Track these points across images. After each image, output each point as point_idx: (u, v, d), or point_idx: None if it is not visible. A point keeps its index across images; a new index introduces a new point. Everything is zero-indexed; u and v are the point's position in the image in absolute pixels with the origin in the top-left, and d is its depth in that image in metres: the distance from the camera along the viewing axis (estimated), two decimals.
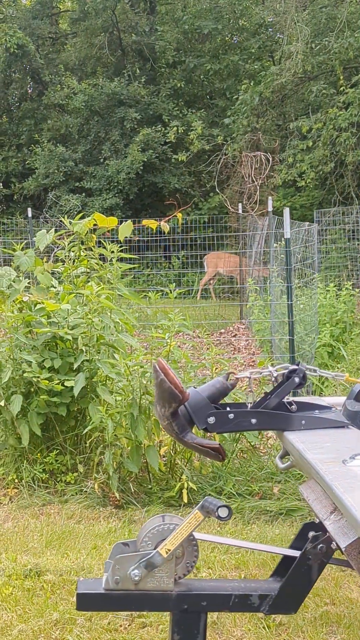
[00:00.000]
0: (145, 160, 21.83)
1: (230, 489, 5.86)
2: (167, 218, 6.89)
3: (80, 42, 25.90)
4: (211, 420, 2.46)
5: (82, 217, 6.74)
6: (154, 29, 25.32)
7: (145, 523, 2.33)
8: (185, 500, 5.75)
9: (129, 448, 5.91)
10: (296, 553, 2.23)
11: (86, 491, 6.06)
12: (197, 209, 22.96)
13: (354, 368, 8.14)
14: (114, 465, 5.80)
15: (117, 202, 21.98)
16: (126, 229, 6.33)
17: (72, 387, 6.06)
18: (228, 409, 2.52)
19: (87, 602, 2.23)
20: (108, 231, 6.44)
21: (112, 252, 6.42)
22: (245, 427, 2.49)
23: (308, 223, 9.22)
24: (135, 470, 5.86)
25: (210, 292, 18.38)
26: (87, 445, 6.31)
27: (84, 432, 6.08)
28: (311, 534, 2.21)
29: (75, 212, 20.81)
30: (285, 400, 2.58)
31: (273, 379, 2.63)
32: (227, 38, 25.21)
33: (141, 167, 21.90)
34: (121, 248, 6.51)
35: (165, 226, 6.49)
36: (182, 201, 24.36)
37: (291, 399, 2.60)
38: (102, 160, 22.98)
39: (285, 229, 6.95)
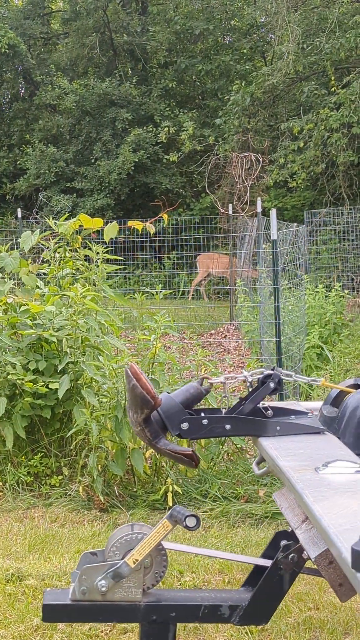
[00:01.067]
0: (137, 160, 21.78)
1: (216, 492, 5.82)
2: (152, 219, 6.85)
3: (72, 42, 25.84)
4: (184, 426, 2.42)
5: (69, 218, 6.70)
6: (145, 29, 25.28)
7: (113, 532, 2.28)
8: (170, 504, 5.71)
9: (114, 451, 5.87)
10: (267, 562, 2.19)
11: (71, 494, 6.02)
12: (189, 209, 22.93)
13: (342, 370, 8.10)
14: (98, 468, 5.75)
15: (108, 203, 21.94)
16: (112, 230, 6.29)
17: (56, 389, 6.01)
18: (203, 414, 2.48)
19: (54, 613, 2.19)
20: (94, 232, 6.39)
21: (97, 253, 6.37)
22: (219, 434, 2.45)
23: (296, 224, 9.19)
24: (120, 473, 5.81)
25: (201, 293, 18.35)
26: (72, 448, 6.26)
27: (68, 434, 6.03)
28: (283, 542, 2.17)
29: (66, 213, 20.78)
30: (260, 405, 2.53)
31: (248, 384, 2.59)
32: (218, 38, 25.18)
33: (132, 168, 21.85)
34: (107, 249, 6.46)
35: (151, 227, 6.45)
36: (173, 202, 24.33)
37: (267, 404, 2.56)
38: (93, 160, 22.92)
39: (272, 230, 6.92)
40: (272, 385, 2.51)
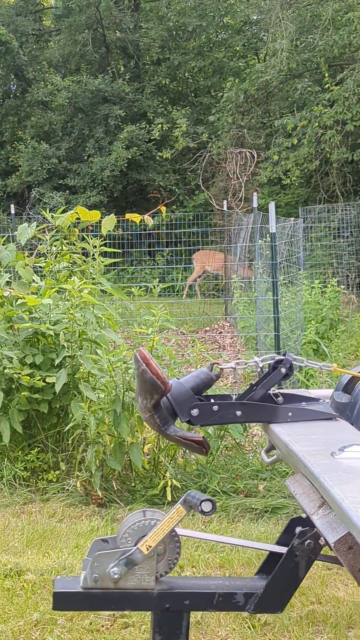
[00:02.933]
0: (130, 157, 21.72)
1: (215, 486, 5.77)
2: (150, 212, 6.80)
3: (64, 39, 25.75)
4: (195, 412, 2.36)
5: (65, 211, 6.63)
6: (138, 26, 25.21)
7: (125, 518, 2.23)
8: (169, 499, 5.66)
9: (112, 445, 5.81)
10: (283, 549, 2.14)
11: (68, 489, 5.96)
12: (182, 206, 22.87)
13: (340, 365, 8.04)
14: (96, 462, 5.69)
15: (101, 200, 21.86)
16: (109, 223, 6.23)
17: (53, 383, 5.95)
18: (212, 400, 2.43)
19: (64, 601, 2.13)
20: (91, 225, 6.33)
21: (95, 246, 6.31)
22: (230, 420, 2.40)
23: (293, 218, 9.15)
24: (118, 468, 5.76)
25: (195, 290, 18.29)
26: (70, 442, 6.20)
27: (66, 429, 5.96)
28: (298, 529, 2.12)
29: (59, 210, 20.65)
30: (271, 391, 2.49)
31: (259, 369, 2.54)
32: (211, 35, 25.12)
33: (125, 165, 21.79)
34: (104, 243, 6.40)
35: (149, 220, 6.39)
36: (167, 198, 24.26)
37: (277, 390, 2.51)
38: (86, 157, 22.85)
39: (271, 224, 6.87)
40: (283, 370, 2.46)
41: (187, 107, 23.42)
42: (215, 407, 2.39)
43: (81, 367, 6.13)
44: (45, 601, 4.37)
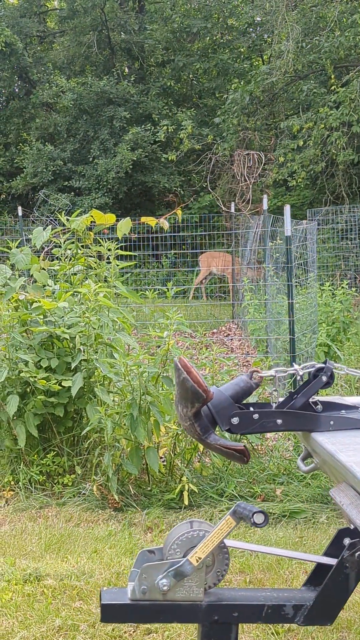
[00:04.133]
0: (135, 159, 21.69)
1: (232, 490, 5.75)
2: (166, 215, 6.77)
3: (69, 41, 25.74)
4: (235, 420, 2.34)
5: (80, 214, 6.61)
6: (143, 28, 25.19)
7: (172, 530, 2.21)
8: (186, 503, 5.64)
9: (129, 449, 5.79)
10: (332, 561, 2.12)
11: (84, 493, 5.94)
12: (187, 208, 22.85)
13: (354, 368, 8.03)
14: (113, 467, 5.67)
15: (106, 202, 21.83)
16: (125, 226, 6.21)
17: (69, 387, 5.93)
18: (251, 408, 2.41)
19: (112, 613, 2.11)
20: (106, 229, 6.31)
21: (110, 249, 6.29)
22: (270, 428, 2.38)
23: (306, 221, 9.14)
24: (136, 472, 5.74)
25: (202, 292, 18.27)
26: (85, 446, 6.19)
27: (83, 433, 5.94)
28: (347, 540, 2.10)
29: (65, 211, 20.68)
30: (310, 400, 2.46)
31: (299, 377, 2.52)
32: (216, 37, 25.11)
33: (130, 166, 21.76)
34: (119, 246, 6.38)
35: (165, 223, 6.37)
36: (170, 201, 24.25)
37: (317, 398, 2.49)
38: (91, 159, 22.83)
39: (286, 227, 6.84)
40: (324, 378, 2.44)
41: (192, 109, 23.40)
42: (256, 416, 2.37)
43: (96, 370, 6.11)
44: (66, 607, 4.35)
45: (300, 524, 5.44)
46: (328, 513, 5.54)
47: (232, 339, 12.47)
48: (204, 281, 18.20)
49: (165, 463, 6.07)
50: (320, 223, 16.59)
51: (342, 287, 9.68)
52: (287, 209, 6.90)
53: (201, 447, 5.90)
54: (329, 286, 9.98)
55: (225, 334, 13.21)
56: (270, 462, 6.07)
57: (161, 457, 6.11)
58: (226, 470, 5.93)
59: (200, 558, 2.08)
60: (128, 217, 6.26)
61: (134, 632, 4.10)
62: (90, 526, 5.55)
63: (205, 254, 17.88)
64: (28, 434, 6.03)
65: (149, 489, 5.93)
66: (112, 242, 6.33)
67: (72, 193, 22.45)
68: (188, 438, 6.04)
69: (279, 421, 2.38)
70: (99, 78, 23.80)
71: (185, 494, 5.63)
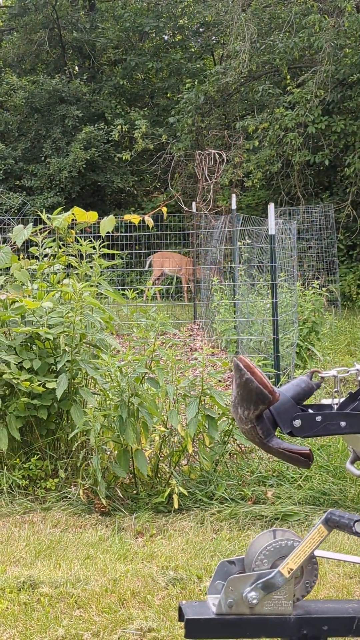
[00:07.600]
0: (88, 158, 21.47)
1: (222, 493, 5.66)
2: (150, 213, 6.66)
3: (19, 38, 25.35)
4: (297, 423, 2.25)
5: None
6: (94, 26, 24.97)
7: (254, 539, 2.10)
8: (176, 506, 5.54)
9: (116, 452, 5.67)
10: None
11: (69, 497, 5.80)
12: (140, 208, 22.71)
13: (332, 366, 8.02)
14: (100, 470, 5.55)
15: (58, 201, 21.54)
16: (108, 224, 6.08)
17: (53, 389, 5.79)
18: (310, 411, 2.32)
19: (198, 628, 1.99)
20: (89, 227, 6.18)
21: (94, 247, 6.16)
22: (334, 431, 2.29)
23: (282, 220, 9.10)
24: (124, 475, 5.63)
25: (155, 293, 18.12)
26: (67, 449, 6.04)
27: (71, 435, 5.79)
28: None
29: (16, 210, 20.37)
30: None
31: None
32: (168, 36, 25.02)
33: (84, 166, 21.54)
34: (104, 245, 6.24)
35: (150, 221, 6.26)
36: (122, 201, 24.08)
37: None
38: (43, 158, 22.54)
39: (270, 225, 6.78)
40: None
41: (145, 109, 23.27)
42: (319, 418, 2.28)
43: (80, 371, 5.98)
44: (66, 615, 4.22)
45: (294, 527, 5.37)
46: (321, 515, 5.48)
47: (194, 339, 12.38)
48: (157, 282, 18.08)
49: (152, 466, 5.96)
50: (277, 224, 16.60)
51: (313, 287, 9.67)
52: (272, 207, 6.84)
53: (190, 449, 5.80)
54: (300, 286, 9.96)
55: (187, 335, 13.10)
56: (259, 464, 5.99)
57: (148, 460, 5.99)
58: (215, 473, 5.83)
59: (292, 569, 1.98)
60: (112, 215, 6.14)
61: None
62: (79, 531, 5.42)
63: (157, 254, 17.76)
64: (10, 437, 5.87)
65: (135, 492, 5.82)
66: (95, 240, 6.19)
67: (24, 192, 22.14)
68: (174, 441, 5.95)
69: (343, 424, 2.29)
70: (50, 76, 23.52)
71: (175, 497, 5.53)
